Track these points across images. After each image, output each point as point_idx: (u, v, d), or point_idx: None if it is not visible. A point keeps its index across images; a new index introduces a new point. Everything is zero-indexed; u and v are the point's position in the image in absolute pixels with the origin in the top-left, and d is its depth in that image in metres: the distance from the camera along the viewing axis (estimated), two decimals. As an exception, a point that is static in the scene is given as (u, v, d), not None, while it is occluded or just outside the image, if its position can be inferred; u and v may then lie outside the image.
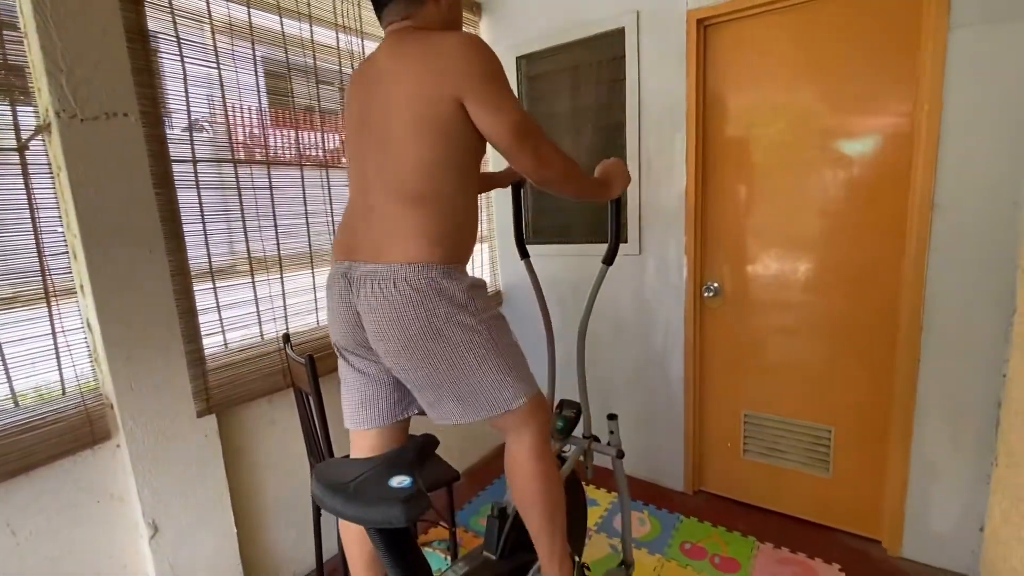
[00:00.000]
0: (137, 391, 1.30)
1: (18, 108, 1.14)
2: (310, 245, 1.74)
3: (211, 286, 1.50)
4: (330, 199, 1.79)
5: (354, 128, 1.02)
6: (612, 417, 1.46)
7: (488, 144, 0.98)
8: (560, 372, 1.94)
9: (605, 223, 2.09)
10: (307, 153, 1.73)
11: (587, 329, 1.59)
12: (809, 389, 1.80)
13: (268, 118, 1.60)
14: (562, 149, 1.12)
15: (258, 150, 1.61)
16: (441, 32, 0.95)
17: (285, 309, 1.69)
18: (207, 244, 1.48)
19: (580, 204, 2.11)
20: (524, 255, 1.45)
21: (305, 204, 1.72)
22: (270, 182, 1.63)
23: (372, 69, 1.00)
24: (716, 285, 1.93)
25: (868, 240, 1.65)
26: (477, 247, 2.19)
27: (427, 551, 1.70)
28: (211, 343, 1.51)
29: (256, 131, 1.60)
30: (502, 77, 0.95)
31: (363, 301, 0.93)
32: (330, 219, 1.82)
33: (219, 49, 1.47)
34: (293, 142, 1.68)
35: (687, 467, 2.02)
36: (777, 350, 1.84)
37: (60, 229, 1.21)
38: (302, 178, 1.72)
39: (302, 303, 1.74)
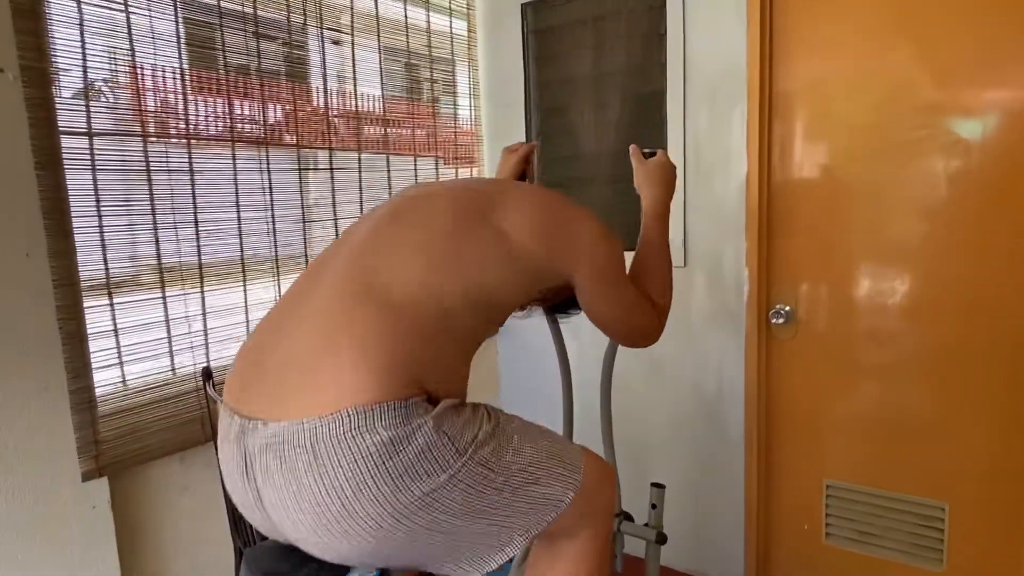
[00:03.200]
0: (-1, 445, 1.29)
1: None
2: (242, 250, 1.75)
3: (107, 302, 1.49)
4: (270, 187, 1.81)
5: (370, 219, 1.02)
6: (658, 487, 1.44)
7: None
8: (578, 424, 1.88)
9: (636, 224, 2.19)
10: (241, 128, 1.75)
11: (613, 367, 1.57)
12: (914, 451, 1.78)
13: (189, 80, 1.60)
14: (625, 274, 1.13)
15: (175, 122, 1.61)
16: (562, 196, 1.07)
17: (206, 335, 1.69)
18: (103, 246, 1.47)
19: (603, 197, 2.16)
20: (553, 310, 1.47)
21: (236, 195, 1.73)
22: (190, 164, 1.63)
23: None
24: (787, 309, 1.94)
25: (992, 251, 1.64)
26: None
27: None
28: (105, 379, 1.49)
29: (173, 98, 1.60)
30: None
31: (271, 491, 0.79)
32: (270, 215, 1.82)
33: (128, -14, 1.47)
34: (222, 113, 1.69)
35: (749, 556, 2.01)
36: (870, 398, 1.84)
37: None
38: (233, 160, 1.73)
39: (229, 327, 1.74)
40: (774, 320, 1.94)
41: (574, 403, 1.64)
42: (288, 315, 0.89)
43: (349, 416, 0.75)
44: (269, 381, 0.83)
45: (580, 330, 2.28)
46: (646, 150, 1.35)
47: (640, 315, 1.09)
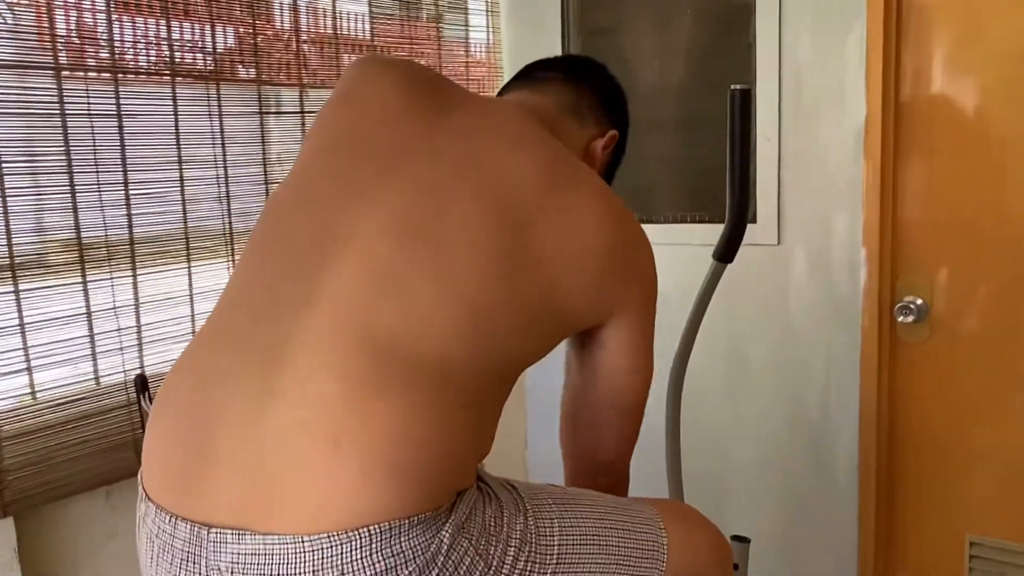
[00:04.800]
0: None
1: None
2: (185, 221, 1.76)
3: (11, 288, 1.50)
4: (221, 137, 1.82)
5: (350, 177, 0.95)
6: (741, 541, 1.45)
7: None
8: (639, 449, 1.87)
9: (712, 186, 2.11)
10: (183, 59, 1.75)
11: (684, 376, 1.56)
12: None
13: (115, -5, 1.64)
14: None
15: (96, 51, 1.61)
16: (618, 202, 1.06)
17: (140, 332, 1.69)
18: (5, 216, 1.48)
19: (668, 149, 2.21)
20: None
21: (178, 147, 1.74)
22: (117, 107, 1.64)
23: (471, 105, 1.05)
24: (919, 302, 1.93)
25: None
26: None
27: None
28: (8, 389, 1.51)
29: (93, 18, 1.59)
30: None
31: None
32: (221, 173, 1.83)
33: None
34: (158, 39, 1.69)
35: (864, 633, 2.07)
36: (1033, 425, 1.87)
37: None
38: (174, 101, 1.74)
39: (169, 322, 1.75)
40: (901, 317, 1.93)
41: None
42: (245, 368, 0.81)
43: (371, 536, 0.73)
44: (233, 463, 0.77)
45: None
46: (735, 86, 1.36)
47: (647, 373, 1.09)
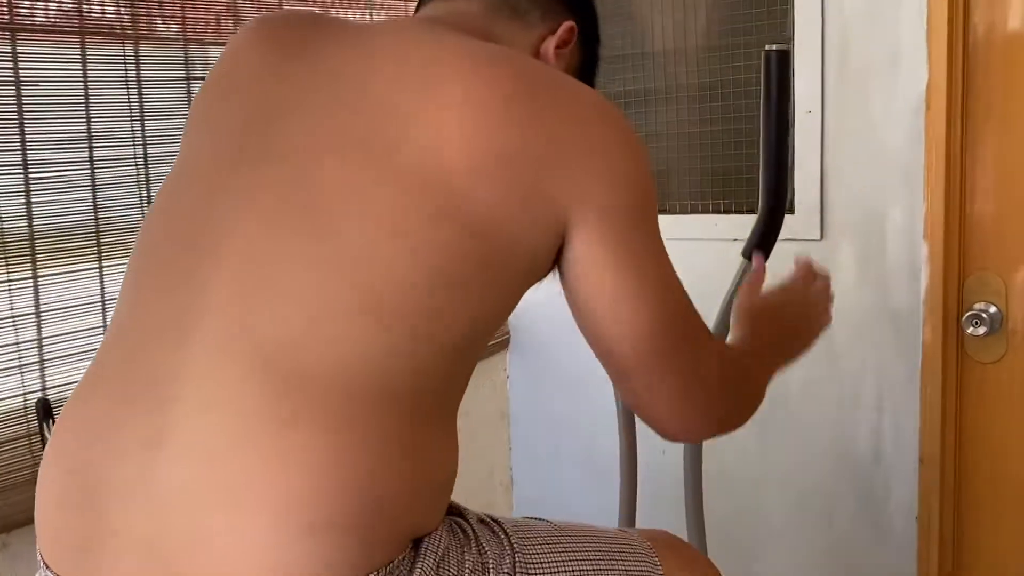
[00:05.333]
0: None
1: None
2: (96, 210, 1.75)
3: None
4: (140, 107, 1.82)
5: (216, 163, 0.97)
6: None
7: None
8: (647, 492, 1.87)
9: (740, 168, 2.15)
10: (91, 11, 1.74)
11: None
12: None
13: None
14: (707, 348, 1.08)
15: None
16: (556, 71, 1.04)
17: (41, 346, 1.68)
18: None
19: (687, 122, 2.22)
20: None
21: (88, 121, 1.73)
22: (15, 72, 1.63)
23: (346, 39, 1.03)
24: (993, 311, 1.93)
25: None
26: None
27: None
28: None
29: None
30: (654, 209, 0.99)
31: None
32: (140, 152, 1.82)
33: None
34: None
35: None
36: None
37: None
38: (83, 65, 1.73)
39: (77, 334, 1.73)
40: (970, 329, 1.91)
41: (638, 460, 1.65)
42: (130, 415, 0.82)
43: None
44: (129, 535, 0.78)
45: None
46: (771, 46, 1.36)
47: (690, 334, 1.00)
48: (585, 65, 1.17)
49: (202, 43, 1.96)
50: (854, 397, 2.07)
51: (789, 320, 1.23)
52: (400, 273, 0.82)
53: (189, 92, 1.93)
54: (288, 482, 0.74)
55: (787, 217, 1.88)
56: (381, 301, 0.81)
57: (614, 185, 0.92)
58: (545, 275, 0.97)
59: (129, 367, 0.85)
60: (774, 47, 1.35)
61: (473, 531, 0.89)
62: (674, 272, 0.99)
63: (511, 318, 2.49)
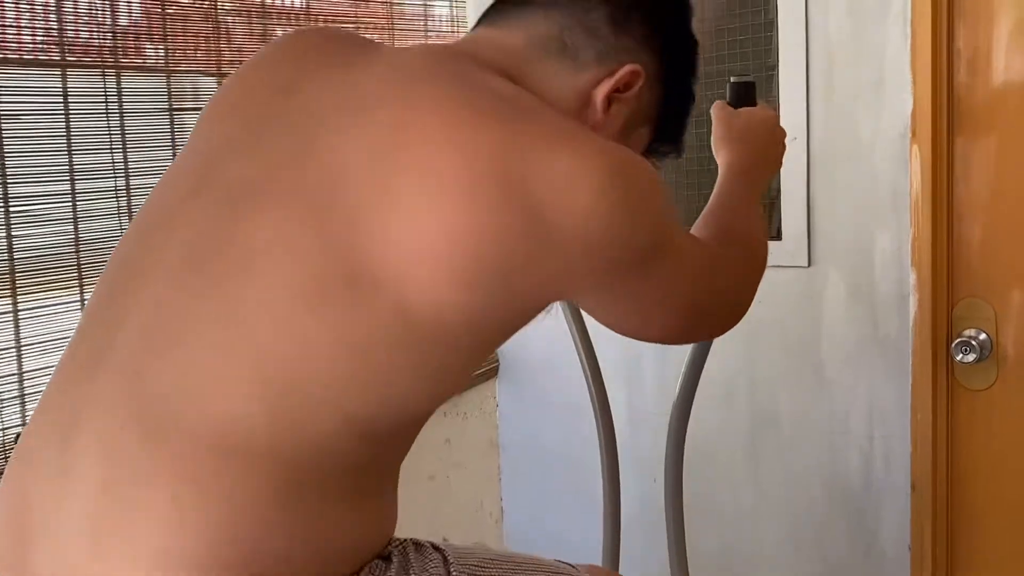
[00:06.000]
0: None
1: None
2: (77, 241, 1.75)
3: None
4: (122, 137, 1.81)
5: (166, 195, 0.95)
6: None
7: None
8: (631, 528, 1.91)
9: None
10: (73, 43, 1.73)
11: (686, 433, 1.59)
12: None
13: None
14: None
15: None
16: (564, 129, 0.88)
17: (21, 379, 1.68)
18: None
19: (671, 164, 2.19)
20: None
21: (69, 151, 1.74)
22: None
23: (341, 77, 0.94)
24: (983, 337, 1.93)
25: None
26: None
27: None
28: None
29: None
30: (665, 232, 0.92)
31: None
32: (122, 183, 1.82)
33: None
34: (45, 19, 1.68)
35: None
36: None
37: None
38: (64, 96, 1.74)
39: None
40: (960, 356, 1.91)
41: (621, 488, 1.66)
42: (46, 455, 0.82)
43: None
44: (37, 569, 0.79)
45: (638, 369, 2.24)
46: (735, 79, 1.34)
47: (721, 277, 1.03)
48: (663, 109, 1.04)
49: (187, 70, 1.96)
50: (844, 425, 2.07)
51: (756, 137, 1.26)
52: (304, 336, 0.78)
53: (171, 124, 1.92)
54: (140, 534, 0.74)
55: (774, 244, 1.91)
56: (277, 364, 0.78)
57: (614, 260, 0.86)
58: (514, 331, 0.92)
59: (57, 398, 0.86)
60: (737, 79, 1.34)
61: (398, 558, 0.87)
62: (686, 262, 0.97)
63: (505, 347, 2.42)
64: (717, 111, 1.30)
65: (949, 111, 1.91)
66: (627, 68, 0.96)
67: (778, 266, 2.03)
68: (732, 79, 1.33)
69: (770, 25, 2.05)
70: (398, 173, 0.79)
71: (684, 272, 0.96)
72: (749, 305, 1.10)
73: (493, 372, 2.60)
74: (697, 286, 0.99)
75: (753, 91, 1.34)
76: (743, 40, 2.12)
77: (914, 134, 1.92)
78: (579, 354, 1.62)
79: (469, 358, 0.87)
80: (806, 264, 2.07)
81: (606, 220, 0.82)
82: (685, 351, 1.50)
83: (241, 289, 0.79)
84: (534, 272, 0.81)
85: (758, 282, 1.11)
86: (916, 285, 1.96)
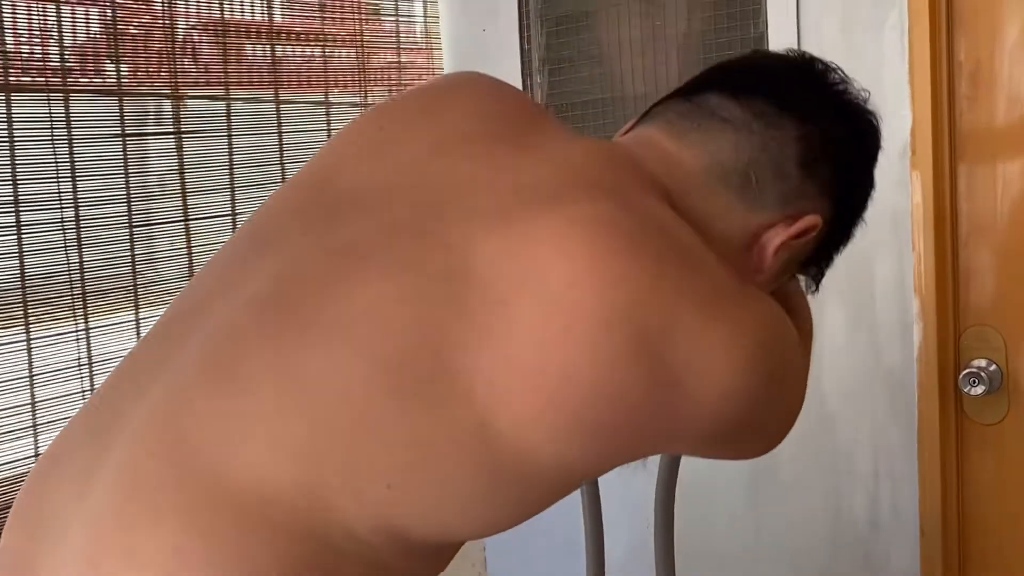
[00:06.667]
0: None
1: None
2: (23, 278, 1.73)
3: None
4: (71, 167, 1.79)
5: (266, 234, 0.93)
6: None
7: None
8: (636, 567, 1.88)
9: None
10: (18, 60, 1.72)
11: (677, 473, 1.54)
12: None
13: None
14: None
15: None
16: (722, 283, 0.83)
17: (35, 411, 1.70)
18: None
19: None
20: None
21: (14, 182, 1.72)
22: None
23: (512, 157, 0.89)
24: (992, 368, 1.90)
25: None
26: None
27: None
28: None
29: None
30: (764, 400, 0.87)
31: None
32: (71, 214, 1.81)
33: None
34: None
35: None
36: None
37: None
38: (9, 120, 1.71)
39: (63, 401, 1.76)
40: (968, 388, 1.88)
41: (613, 533, 1.64)
42: (79, 449, 0.83)
43: None
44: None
45: None
46: None
47: (799, 397, 1.02)
48: (823, 251, 1.03)
49: (141, 93, 1.95)
50: (849, 463, 2.04)
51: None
52: (374, 419, 0.75)
53: (124, 152, 1.91)
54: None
55: None
56: (326, 440, 0.74)
57: (728, 430, 0.84)
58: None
59: (98, 405, 0.87)
60: None
61: None
62: (777, 419, 0.96)
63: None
64: None
65: (951, 127, 1.89)
66: (809, 219, 0.92)
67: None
68: None
69: (760, 39, 2.03)
70: (524, 289, 0.74)
71: (770, 430, 0.97)
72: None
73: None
74: (786, 423, 1.00)
75: None
76: (731, 55, 2.03)
77: (914, 152, 1.90)
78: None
79: (544, 496, 0.83)
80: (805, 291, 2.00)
81: (738, 401, 0.79)
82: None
83: (317, 350, 0.76)
84: (644, 435, 0.80)
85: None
86: (920, 313, 1.92)
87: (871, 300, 1.98)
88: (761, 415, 0.86)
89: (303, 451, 0.74)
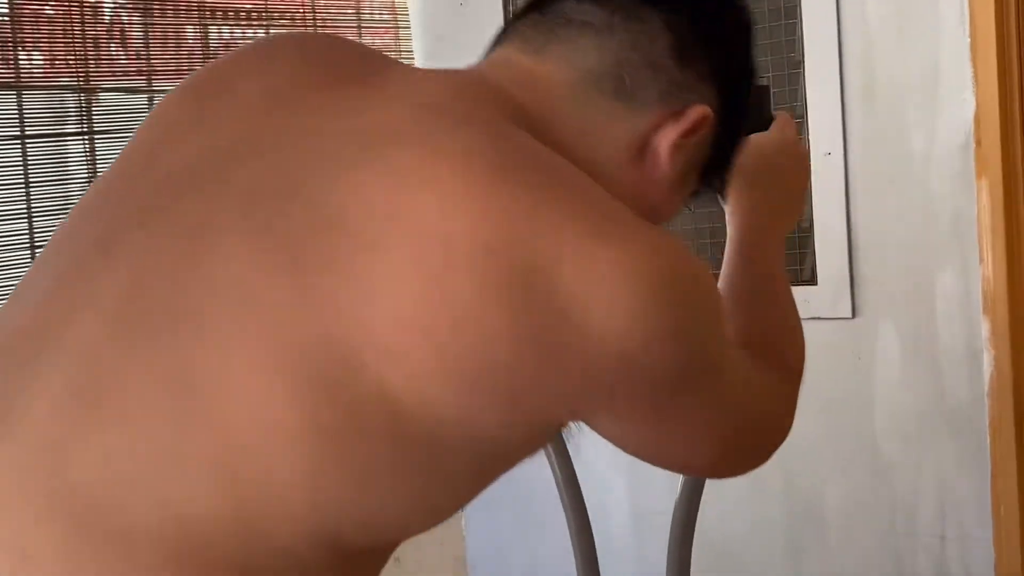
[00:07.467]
0: None
1: None
2: None
3: None
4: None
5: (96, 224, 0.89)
6: None
7: None
8: None
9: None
10: None
11: (693, 529, 1.45)
12: None
13: None
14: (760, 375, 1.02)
15: None
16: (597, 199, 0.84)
17: None
18: None
19: None
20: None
21: None
22: None
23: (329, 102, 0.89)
24: None
25: None
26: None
27: None
28: None
29: None
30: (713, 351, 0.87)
31: None
32: None
33: None
34: None
35: None
36: None
37: None
38: None
39: None
40: None
41: None
42: None
43: None
44: None
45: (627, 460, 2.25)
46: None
47: (763, 399, 0.98)
48: (717, 151, 0.97)
49: (47, 84, 1.86)
50: (908, 521, 1.99)
51: (777, 183, 1.15)
52: (271, 420, 0.72)
53: (23, 158, 1.83)
54: None
55: (809, 290, 2.02)
56: (239, 451, 0.73)
57: (642, 389, 0.79)
58: (523, 458, 0.85)
59: None
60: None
61: None
62: (730, 393, 0.91)
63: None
64: None
65: (1023, 112, 1.84)
66: (696, 109, 0.89)
67: (815, 318, 1.97)
68: None
69: (792, 10, 2.03)
70: (401, 233, 0.74)
71: (724, 399, 0.90)
72: (793, 417, 1.02)
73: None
74: (738, 412, 0.92)
75: (767, 99, 1.23)
76: (759, 30, 2.04)
77: (979, 143, 1.84)
78: (547, 455, 1.52)
79: (466, 474, 0.82)
80: (849, 315, 1.99)
81: (643, 347, 0.75)
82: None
83: (198, 356, 0.75)
84: (544, 388, 0.76)
85: (800, 382, 1.06)
86: (990, 338, 1.86)
87: (931, 323, 1.94)
88: (681, 386, 0.81)
89: (220, 477, 0.72)
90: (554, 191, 0.79)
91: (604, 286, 0.73)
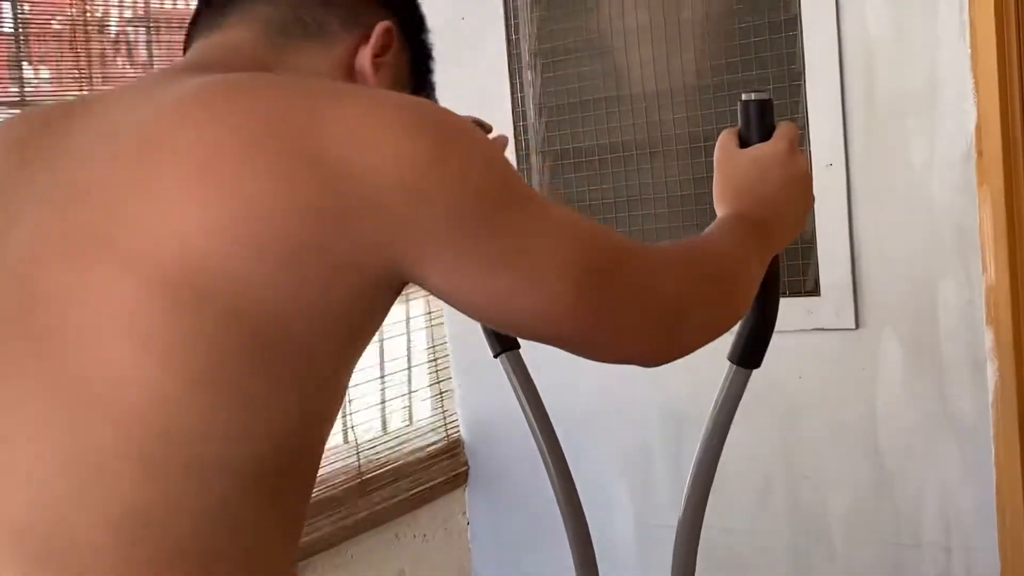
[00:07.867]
0: None
1: None
2: None
3: None
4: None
5: None
6: None
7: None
8: None
9: None
10: None
11: (698, 545, 1.40)
12: None
13: None
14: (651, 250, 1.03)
15: None
16: (326, 84, 0.95)
17: None
18: None
19: (675, 182, 2.22)
20: (505, 347, 1.50)
21: None
22: None
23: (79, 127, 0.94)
24: None
25: None
26: (399, 314, 2.54)
27: None
28: None
29: None
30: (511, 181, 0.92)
31: None
32: None
33: None
34: None
35: None
36: None
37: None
38: None
39: None
40: None
41: None
42: None
43: None
44: None
45: (650, 447, 2.18)
46: (747, 96, 1.26)
47: (613, 267, 0.97)
48: (416, 66, 1.08)
49: None
50: (913, 532, 1.97)
51: (775, 193, 1.16)
52: (146, 380, 0.77)
53: None
54: None
55: (812, 302, 2.02)
56: (138, 424, 0.77)
57: (442, 212, 0.84)
58: (374, 330, 0.91)
59: None
60: (752, 96, 1.24)
61: None
62: (560, 215, 0.93)
63: (472, 439, 2.49)
64: (720, 150, 1.22)
65: None
66: (380, 27, 1.00)
67: (818, 329, 1.99)
68: (743, 96, 1.24)
69: (793, 22, 2.01)
70: (156, 164, 0.81)
71: (560, 228, 0.92)
72: (701, 301, 1.03)
73: (462, 479, 2.50)
74: (588, 248, 0.93)
75: (770, 111, 1.24)
76: (759, 42, 2.06)
77: (980, 154, 1.85)
78: (541, 451, 1.50)
79: (326, 357, 0.85)
80: (852, 326, 1.98)
81: (419, 160, 0.82)
82: (690, 450, 1.41)
83: (68, 353, 0.79)
84: (348, 237, 0.80)
85: (719, 284, 1.05)
86: (994, 348, 1.86)
87: (934, 333, 1.93)
88: (480, 210, 0.85)
89: (133, 455, 0.75)
90: (300, 86, 0.88)
91: (363, 127, 0.81)
